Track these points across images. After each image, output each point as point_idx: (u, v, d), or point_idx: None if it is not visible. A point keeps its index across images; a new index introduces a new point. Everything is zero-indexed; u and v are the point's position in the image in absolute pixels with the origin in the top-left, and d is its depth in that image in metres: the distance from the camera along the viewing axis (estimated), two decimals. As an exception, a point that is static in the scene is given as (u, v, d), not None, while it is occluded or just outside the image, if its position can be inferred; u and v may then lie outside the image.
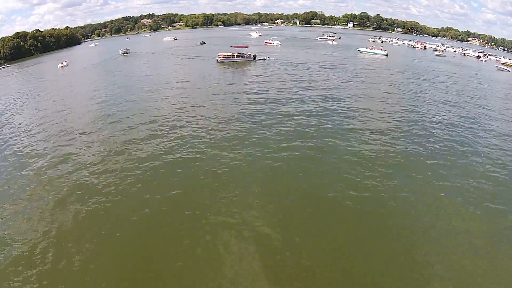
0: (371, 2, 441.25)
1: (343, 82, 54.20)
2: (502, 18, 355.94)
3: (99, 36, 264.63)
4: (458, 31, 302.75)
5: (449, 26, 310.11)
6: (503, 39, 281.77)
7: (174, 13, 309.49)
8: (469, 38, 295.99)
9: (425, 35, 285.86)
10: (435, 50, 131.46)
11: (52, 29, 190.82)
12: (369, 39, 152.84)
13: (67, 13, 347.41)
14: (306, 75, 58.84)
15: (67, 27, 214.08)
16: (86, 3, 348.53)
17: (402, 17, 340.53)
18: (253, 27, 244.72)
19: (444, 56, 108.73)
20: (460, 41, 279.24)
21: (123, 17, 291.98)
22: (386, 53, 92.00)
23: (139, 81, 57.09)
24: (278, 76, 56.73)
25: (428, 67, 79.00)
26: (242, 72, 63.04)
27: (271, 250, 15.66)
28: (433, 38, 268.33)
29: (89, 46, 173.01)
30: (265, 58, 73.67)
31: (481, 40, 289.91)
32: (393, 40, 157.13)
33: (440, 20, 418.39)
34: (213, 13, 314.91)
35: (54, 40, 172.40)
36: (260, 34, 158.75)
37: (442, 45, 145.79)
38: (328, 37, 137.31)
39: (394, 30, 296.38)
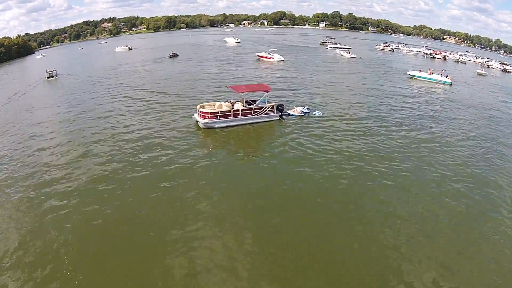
0: (334, 1, 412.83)
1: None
2: (467, 13, 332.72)
3: (58, 42, 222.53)
4: (431, 29, 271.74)
5: (422, 24, 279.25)
6: (479, 37, 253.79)
7: (136, 16, 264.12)
8: (444, 36, 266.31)
9: (400, 35, 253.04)
10: (457, 61, 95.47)
11: (4, 37, 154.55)
12: (376, 46, 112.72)
13: (32, 18, 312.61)
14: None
15: (18, 36, 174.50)
16: (50, 8, 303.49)
17: (366, 15, 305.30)
18: (227, 30, 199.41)
19: (486, 75, 70.69)
20: (435, 39, 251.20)
21: (83, 22, 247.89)
22: (450, 82, 52.64)
23: None
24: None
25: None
26: (260, 170, 20.72)
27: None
28: (399, 36, 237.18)
29: (36, 58, 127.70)
30: (303, 111, 31.08)
31: (456, 38, 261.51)
32: (400, 46, 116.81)
33: (404, 17, 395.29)
34: (175, 15, 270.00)
35: (4, 50, 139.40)
36: (239, 41, 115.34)
37: (460, 55, 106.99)
38: (340, 47, 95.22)
39: (368, 30, 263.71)
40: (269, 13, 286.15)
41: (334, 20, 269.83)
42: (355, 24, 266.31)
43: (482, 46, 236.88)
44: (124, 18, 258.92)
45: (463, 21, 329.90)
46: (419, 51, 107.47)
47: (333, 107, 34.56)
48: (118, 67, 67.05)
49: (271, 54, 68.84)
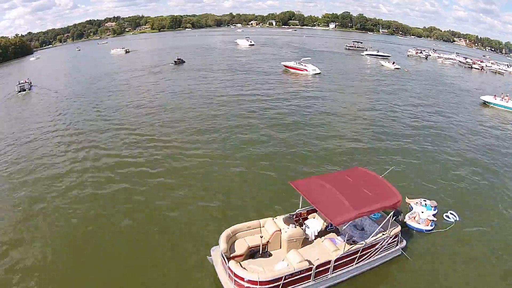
0: (340, 1, 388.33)
1: None
2: (473, 15, 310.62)
3: (60, 42, 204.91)
4: (441, 31, 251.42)
5: (432, 26, 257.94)
6: (488, 39, 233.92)
7: (140, 16, 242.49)
8: (454, 39, 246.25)
9: (412, 36, 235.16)
10: (495, 72, 76.23)
11: (1, 37, 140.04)
12: (408, 53, 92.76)
13: (37, 17, 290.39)
14: None
15: (16, 35, 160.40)
16: (56, 6, 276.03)
17: (371, 16, 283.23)
18: (239, 30, 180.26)
19: None
20: (446, 41, 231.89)
21: (86, 21, 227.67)
22: None
23: None
24: None
25: None
26: None
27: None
28: (411, 38, 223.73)
29: (30, 60, 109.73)
30: (433, 221, 14.10)
31: (467, 41, 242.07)
32: (431, 52, 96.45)
33: (410, 19, 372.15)
34: (181, 15, 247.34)
35: (0, 51, 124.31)
36: (252, 43, 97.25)
37: (491, 63, 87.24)
38: (378, 54, 76.90)
39: (378, 31, 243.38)
40: (278, 13, 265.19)
41: (344, 21, 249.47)
42: (366, 25, 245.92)
43: (493, 49, 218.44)
44: (128, 17, 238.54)
45: (469, 23, 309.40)
46: (454, 59, 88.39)
47: (454, 188, 17.53)
48: (102, 79, 50.05)
49: (303, 64, 50.64)
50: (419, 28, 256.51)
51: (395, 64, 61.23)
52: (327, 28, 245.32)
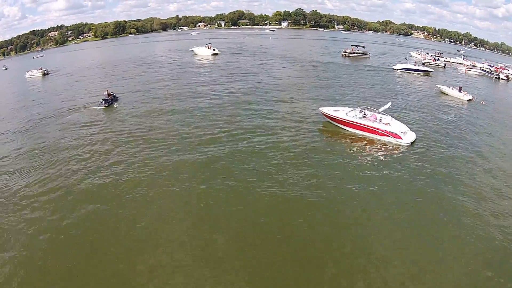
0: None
1: None
2: (421, 6, 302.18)
3: (4, 55, 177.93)
4: (397, 24, 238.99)
5: (387, 20, 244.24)
6: (447, 31, 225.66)
7: (84, 23, 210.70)
8: (412, 32, 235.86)
9: (370, 32, 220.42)
10: None
11: None
12: (423, 62, 65.82)
13: None
14: None
15: None
16: (4, 18, 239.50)
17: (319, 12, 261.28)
18: (194, 33, 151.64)
19: None
20: (403, 35, 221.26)
21: (30, 32, 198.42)
22: None
23: None
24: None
25: None
26: None
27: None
28: (368, 33, 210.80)
29: None
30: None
31: (425, 33, 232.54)
32: (444, 58, 71.24)
33: (356, 13, 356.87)
34: (126, 20, 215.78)
35: None
36: (217, 52, 68.71)
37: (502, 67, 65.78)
38: (418, 70, 51.32)
39: (334, 28, 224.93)
40: (226, 13, 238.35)
41: (298, 18, 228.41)
42: (321, 21, 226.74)
43: (452, 40, 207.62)
44: (71, 25, 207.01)
45: (417, 14, 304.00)
46: (473, 65, 65.47)
47: None
48: None
49: (380, 118, 21.89)
50: (374, 22, 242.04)
51: (465, 93, 35.50)
52: (279, 26, 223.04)
